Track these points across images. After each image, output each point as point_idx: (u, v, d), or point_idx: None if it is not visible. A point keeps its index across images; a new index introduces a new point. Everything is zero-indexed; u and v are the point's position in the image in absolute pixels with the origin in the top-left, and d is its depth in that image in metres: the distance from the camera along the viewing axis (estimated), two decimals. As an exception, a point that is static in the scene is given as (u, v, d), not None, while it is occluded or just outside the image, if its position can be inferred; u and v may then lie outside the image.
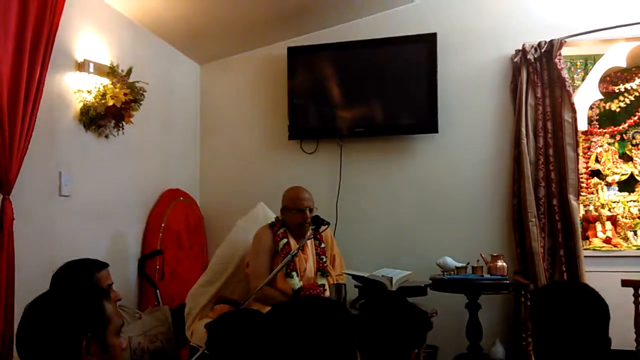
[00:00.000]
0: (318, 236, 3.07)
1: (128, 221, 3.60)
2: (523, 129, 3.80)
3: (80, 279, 2.13)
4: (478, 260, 3.53)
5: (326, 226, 2.88)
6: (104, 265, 2.26)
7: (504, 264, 3.46)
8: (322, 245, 3.13)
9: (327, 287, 2.96)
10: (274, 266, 2.88)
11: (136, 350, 2.70)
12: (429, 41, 4.01)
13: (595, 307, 1.46)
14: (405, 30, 4.12)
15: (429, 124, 4.01)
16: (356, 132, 4.16)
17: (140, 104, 3.25)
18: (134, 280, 3.64)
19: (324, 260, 3.03)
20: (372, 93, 4.15)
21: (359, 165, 4.25)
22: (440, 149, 4.12)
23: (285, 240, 2.98)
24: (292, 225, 3.03)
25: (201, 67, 4.57)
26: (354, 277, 2.86)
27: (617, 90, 4.23)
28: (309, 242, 3.00)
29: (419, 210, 4.13)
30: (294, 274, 2.87)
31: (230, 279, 3.25)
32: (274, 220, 3.15)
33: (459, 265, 3.51)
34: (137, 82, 3.24)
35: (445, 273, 3.52)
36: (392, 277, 2.76)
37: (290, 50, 4.24)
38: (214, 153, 4.54)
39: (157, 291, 3.56)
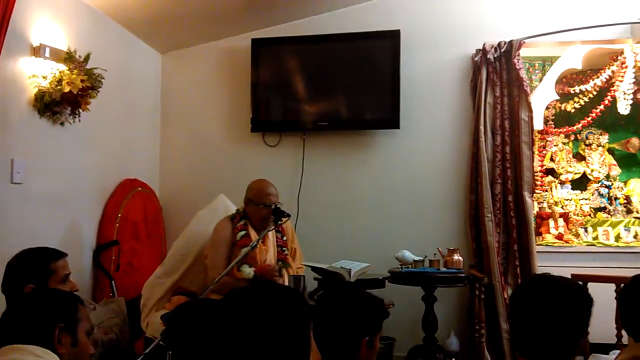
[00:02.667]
0: (279, 228, 3.06)
1: (83, 210, 3.52)
2: (482, 127, 3.89)
3: (36, 267, 2.09)
4: (435, 254, 3.60)
5: (287, 218, 2.89)
6: (62, 254, 2.20)
7: (460, 257, 3.54)
8: (284, 237, 3.13)
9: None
10: (233, 258, 2.87)
11: (89, 342, 2.65)
12: (392, 38, 4.06)
13: (578, 301, 1.51)
14: (370, 26, 4.15)
15: (391, 119, 4.06)
16: (319, 126, 4.18)
17: (98, 91, 3.18)
18: (88, 271, 3.56)
19: (285, 251, 3.04)
20: (336, 88, 4.18)
21: (321, 159, 4.27)
22: (401, 145, 4.18)
23: (244, 232, 2.97)
24: (254, 219, 3.02)
25: (162, 56, 4.49)
26: (313, 268, 2.88)
27: (572, 92, 4.35)
28: (270, 233, 2.99)
29: (379, 205, 4.18)
30: (246, 265, 2.86)
31: (188, 270, 3.22)
32: (234, 212, 3.13)
33: (417, 258, 3.57)
34: (95, 68, 3.17)
35: (403, 266, 3.58)
36: (350, 269, 2.79)
37: (255, 42, 4.22)
38: (175, 143, 4.48)
39: (113, 282, 3.51)
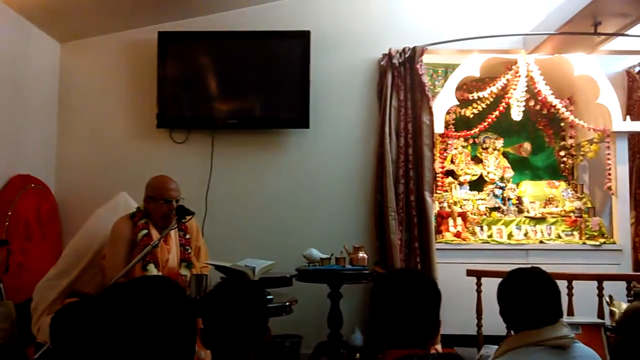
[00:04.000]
0: (182, 227, 2.99)
1: (-32, 208, 3.25)
2: (387, 129, 4.02)
3: None
4: (342, 252, 3.68)
5: (191, 216, 2.82)
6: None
7: (365, 255, 3.64)
8: (187, 236, 3.05)
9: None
10: (133, 258, 2.76)
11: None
12: (302, 38, 4.10)
13: (428, 291, 1.58)
14: (281, 26, 4.18)
15: (300, 119, 4.10)
16: (229, 124, 4.13)
17: (-14, 79, 2.95)
18: (-27, 274, 3.30)
19: (189, 250, 2.96)
20: (247, 86, 4.16)
21: (231, 157, 4.23)
22: (310, 144, 4.24)
23: (145, 232, 2.85)
24: (156, 216, 2.91)
25: (62, 46, 4.25)
26: (217, 267, 2.84)
27: (471, 98, 4.61)
28: (172, 232, 2.91)
29: (289, 203, 4.21)
30: (152, 265, 2.76)
31: (84, 271, 3.06)
32: (135, 210, 3.01)
33: (324, 256, 3.63)
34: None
35: (310, 264, 3.62)
36: (254, 267, 2.78)
37: (162, 35, 4.10)
38: (74, 138, 4.25)
39: (1, 285, 3.26)
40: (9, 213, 3.45)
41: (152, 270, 2.76)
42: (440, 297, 1.59)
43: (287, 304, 2.72)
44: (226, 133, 4.21)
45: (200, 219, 3.93)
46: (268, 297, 2.58)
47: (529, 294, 1.79)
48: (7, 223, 3.43)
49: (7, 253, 3.39)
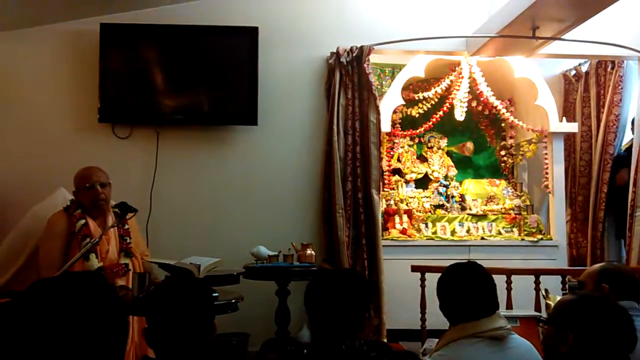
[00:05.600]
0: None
1: None
2: (335, 127, 4.05)
3: None
4: (289, 249, 3.67)
5: (133, 213, 2.76)
6: None
7: (313, 252, 3.65)
8: (126, 226, 2.96)
9: (131, 266, 2.83)
10: (71, 250, 2.68)
11: None
12: (250, 34, 4.07)
13: (356, 286, 1.67)
14: (229, 21, 4.13)
15: (248, 116, 4.07)
16: (175, 120, 4.06)
17: None
18: None
19: (128, 240, 2.88)
20: (194, 81, 4.08)
21: (177, 153, 4.15)
22: (259, 141, 4.21)
23: (83, 221, 2.76)
24: (87, 205, 2.83)
25: (-4, 36, 4.05)
26: (161, 265, 2.77)
27: (417, 98, 4.72)
28: (109, 222, 2.83)
29: (236, 201, 4.17)
30: (92, 255, 2.68)
31: (20, 270, 2.94)
32: (69, 203, 2.90)
33: (272, 254, 3.62)
34: None
35: (258, 261, 3.60)
36: (200, 264, 2.73)
37: (104, 27, 3.96)
38: (8, 132, 4.05)
39: None
40: (-63, 210, 3.26)
41: (94, 260, 2.69)
42: (369, 291, 1.69)
43: (233, 301, 2.69)
44: (172, 128, 4.12)
45: (144, 216, 3.84)
46: (214, 294, 2.55)
47: (466, 287, 1.86)
48: None
49: None
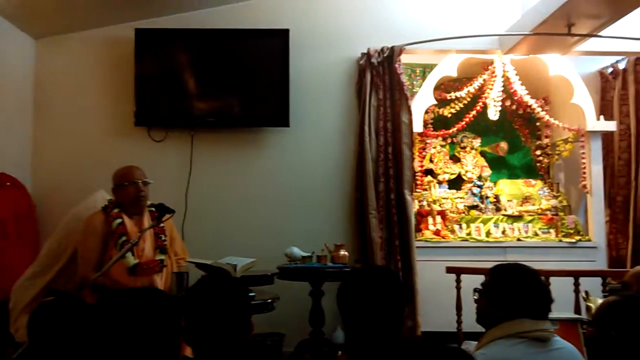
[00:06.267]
0: (155, 216, 2.93)
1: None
2: (366, 128, 4.04)
3: None
4: (323, 250, 3.68)
5: (170, 214, 2.80)
6: None
7: (346, 253, 3.65)
8: (161, 224, 3.01)
9: (166, 262, 2.87)
10: (108, 250, 2.74)
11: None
12: (281, 36, 4.10)
13: (392, 287, 1.62)
14: (260, 24, 4.17)
15: (280, 117, 4.10)
16: (208, 122, 4.11)
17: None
18: (-54, 275, 3.22)
19: (163, 238, 2.93)
20: (226, 84, 4.13)
21: (210, 155, 4.21)
22: (291, 143, 4.23)
23: (119, 220, 2.82)
24: (126, 203, 2.88)
25: (36, 42, 4.18)
26: (198, 265, 2.81)
27: (449, 98, 4.67)
28: (146, 221, 2.87)
29: (269, 201, 4.20)
30: (129, 253, 2.74)
31: (62, 270, 3.01)
32: (106, 203, 2.97)
33: (305, 254, 3.63)
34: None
35: (291, 262, 3.62)
36: (236, 265, 2.77)
37: (139, 32, 4.05)
38: (50, 136, 4.18)
39: (-24, 286, 3.19)
40: (-16, 212, 3.38)
41: (130, 257, 2.74)
42: (404, 295, 1.64)
43: (269, 301, 2.72)
44: (205, 131, 4.18)
45: (180, 217, 3.90)
46: (250, 294, 2.57)
47: (525, 285, 1.78)
48: (-19, 222, 3.35)
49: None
